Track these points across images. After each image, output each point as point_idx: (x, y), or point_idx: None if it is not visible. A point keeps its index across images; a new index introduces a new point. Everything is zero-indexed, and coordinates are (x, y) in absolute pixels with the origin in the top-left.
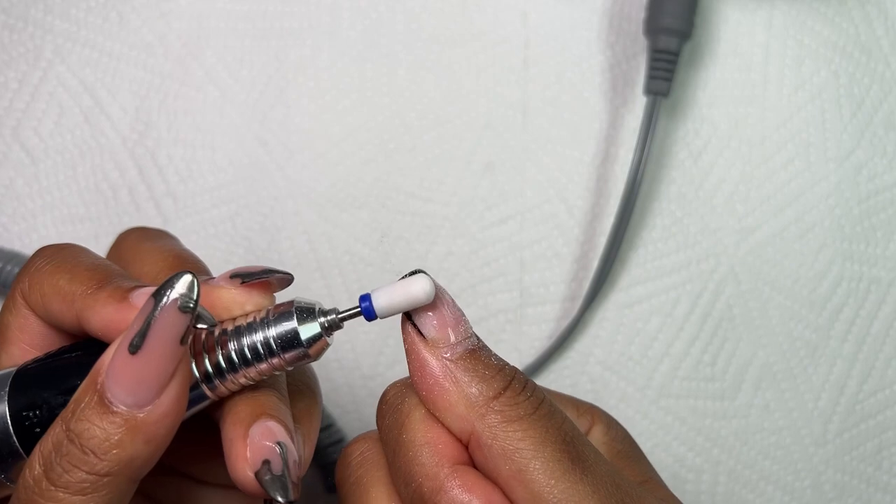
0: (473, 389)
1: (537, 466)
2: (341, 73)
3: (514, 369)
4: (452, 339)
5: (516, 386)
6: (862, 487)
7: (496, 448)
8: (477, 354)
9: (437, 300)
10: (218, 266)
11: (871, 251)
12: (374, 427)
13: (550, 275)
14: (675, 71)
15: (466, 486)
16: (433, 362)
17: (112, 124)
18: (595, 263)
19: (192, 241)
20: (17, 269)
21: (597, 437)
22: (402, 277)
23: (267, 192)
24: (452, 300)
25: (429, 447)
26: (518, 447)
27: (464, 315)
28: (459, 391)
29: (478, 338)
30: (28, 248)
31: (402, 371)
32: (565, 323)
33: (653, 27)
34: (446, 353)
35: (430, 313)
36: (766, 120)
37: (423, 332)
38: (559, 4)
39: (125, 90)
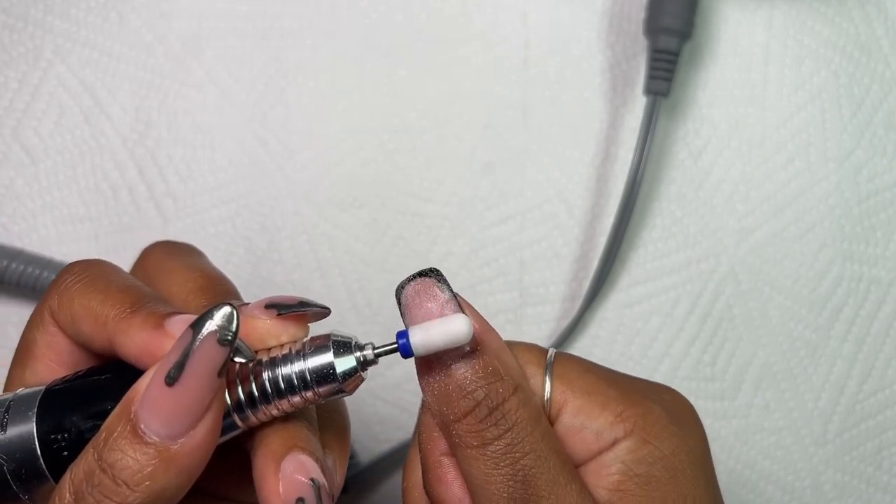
0: (443, 408)
1: (481, 497)
2: (341, 73)
3: (487, 392)
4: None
5: (478, 413)
6: (862, 487)
7: (456, 465)
8: (453, 372)
9: (435, 310)
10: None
11: (871, 251)
12: (373, 429)
13: (550, 275)
14: (675, 71)
15: (445, 479)
16: (421, 369)
17: (112, 124)
18: (595, 263)
19: (192, 241)
20: (21, 267)
21: (618, 454)
22: (413, 278)
23: (267, 192)
24: (452, 306)
25: (427, 433)
26: (469, 473)
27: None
28: (433, 405)
29: (476, 342)
30: (28, 248)
31: (402, 372)
32: (565, 323)
33: (653, 27)
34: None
35: (422, 320)
36: (766, 120)
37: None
38: (559, 4)
39: (125, 90)
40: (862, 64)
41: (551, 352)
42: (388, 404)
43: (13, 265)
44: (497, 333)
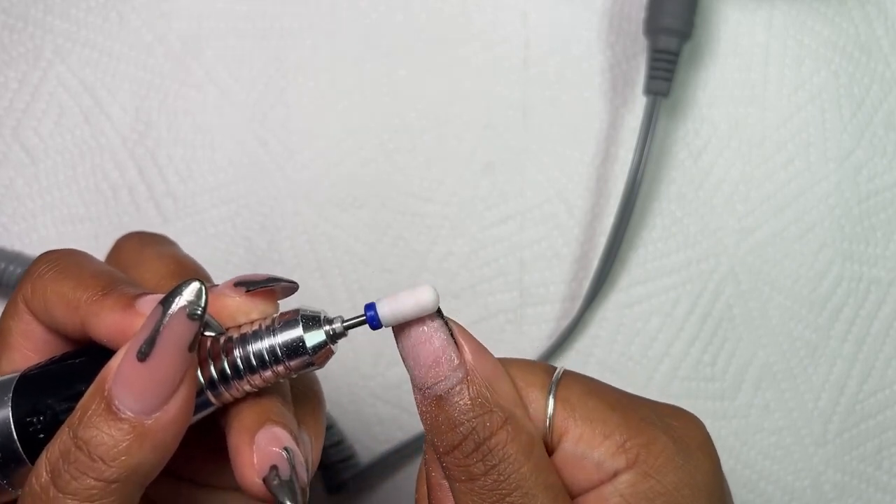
0: (434, 439)
1: None
2: (341, 73)
3: (474, 426)
4: (427, 381)
5: (465, 448)
6: (862, 487)
7: (448, 491)
8: (441, 403)
9: (424, 336)
10: (218, 266)
11: (871, 251)
12: (373, 429)
13: (550, 275)
14: (675, 71)
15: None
16: (416, 397)
17: (112, 124)
18: (595, 263)
19: (192, 241)
20: (18, 270)
21: (617, 486)
22: None
23: (267, 192)
24: (441, 335)
25: (430, 454)
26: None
27: (447, 352)
28: (427, 434)
29: (466, 371)
30: (28, 248)
31: (401, 371)
32: (565, 323)
33: (653, 27)
34: (421, 393)
35: (412, 348)
36: (766, 120)
37: (406, 365)
38: (559, 4)
39: (125, 90)
40: (862, 64)
41: (558, 372)
42: (388, 404)
43: (10, 268)
44: (491, 357)
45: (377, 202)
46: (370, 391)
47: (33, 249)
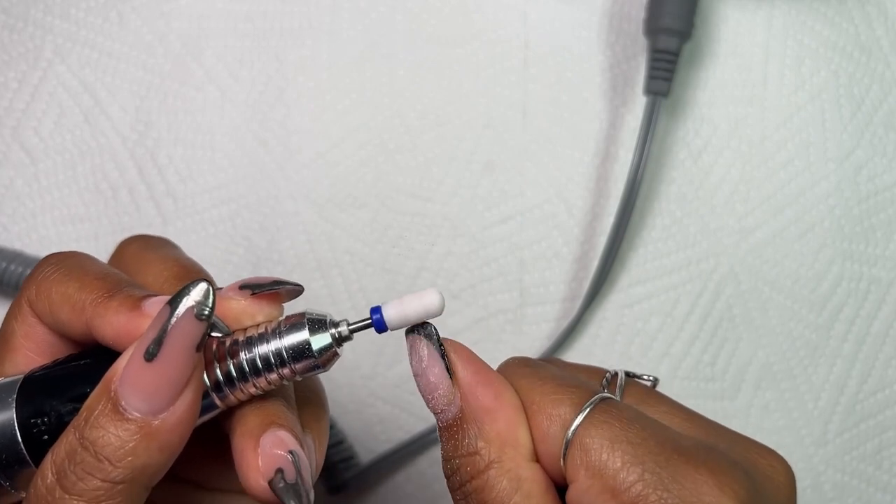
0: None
1: None
2: (341, 73)
3: (458, 465)
4: (430, 409)
5: (452, 483)
6: (862, 487)
7: None
8: (441, 433)
9: (423, 366)
10: (218, 266)
11: (871, 251)
12: (373, 429)
13: (550, 275)
14: (675, 71)
15: None
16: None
17: (112, 124)
18: (595, 263)
19: (192, 241)
20: (19, 269)
21: None
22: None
23: (267, 192)
24: (437, 368)
25: None
26: None
27: (442, 385)
28: None
29: (459, 408)
30: (28, 248)
31: (402, 371)
32: (565, 323)
33: (653, 27)
34: (435, 415)
35: (416, 376)
36: (766, 120)
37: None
38: (559, 4)
39: (125, 90)
40: (862, 64)
41: (590, 403)
42: (388, 404)
43: (11, 267)
44: (492, 389)
45: (377, 202)
46: (370, 391)
47: (33, 249)
